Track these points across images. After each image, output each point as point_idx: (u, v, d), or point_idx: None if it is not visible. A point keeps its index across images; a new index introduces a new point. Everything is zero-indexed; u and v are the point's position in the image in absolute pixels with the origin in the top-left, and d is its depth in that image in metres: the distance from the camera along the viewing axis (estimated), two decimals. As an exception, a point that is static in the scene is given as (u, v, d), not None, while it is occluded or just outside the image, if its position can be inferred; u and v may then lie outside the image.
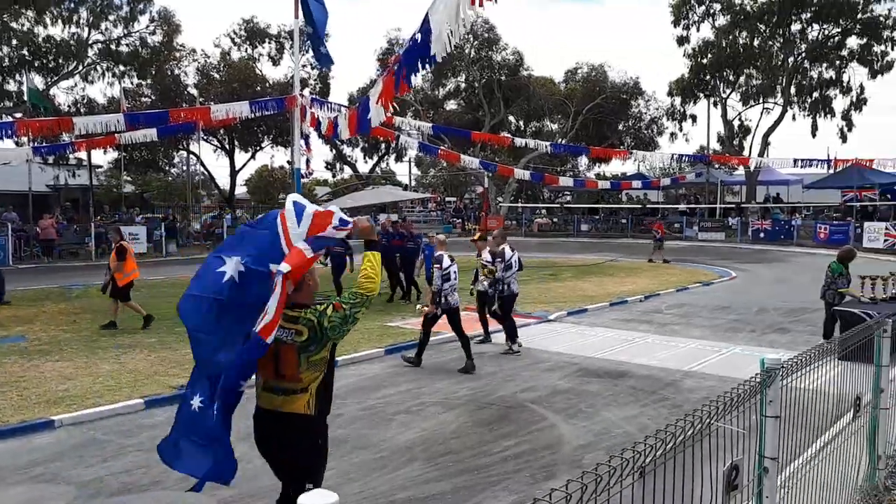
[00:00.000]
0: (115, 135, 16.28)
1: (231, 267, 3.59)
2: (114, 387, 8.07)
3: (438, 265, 9.39)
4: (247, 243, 3.68)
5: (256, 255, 3.60)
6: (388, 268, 14.89)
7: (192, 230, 34.65)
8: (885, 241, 26.53)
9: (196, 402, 3.57)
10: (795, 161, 20.66)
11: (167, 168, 46.14)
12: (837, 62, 38.11)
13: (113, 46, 34.77)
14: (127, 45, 35.38)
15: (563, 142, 40.32)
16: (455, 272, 9.50)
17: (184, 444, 3.64)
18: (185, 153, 41.58)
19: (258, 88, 38.16)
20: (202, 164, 43.76)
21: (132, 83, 37.66)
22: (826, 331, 10.36)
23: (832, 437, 4.37)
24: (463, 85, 47.18)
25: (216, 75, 40.66)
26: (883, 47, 36.69)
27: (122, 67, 35.61)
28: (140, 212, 38.63)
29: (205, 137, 38.76)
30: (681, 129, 44.75)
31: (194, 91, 39.37)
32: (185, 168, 42.67)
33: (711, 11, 39.51)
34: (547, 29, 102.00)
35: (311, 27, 12.81)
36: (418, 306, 10.38)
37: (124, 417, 7.19)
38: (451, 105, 49.46)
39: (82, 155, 32.28)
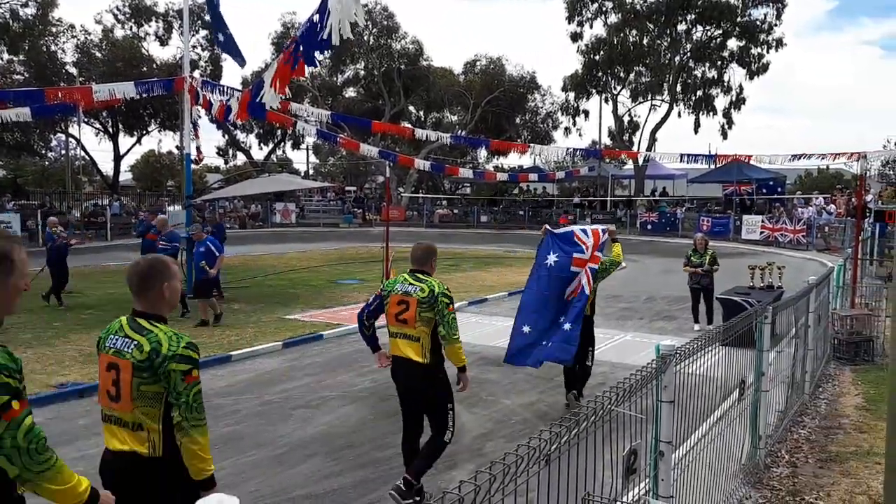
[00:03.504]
0: (-19, 114, 14.99)
1: (551, 259, 7.04)
2: (-18, 387, 7.43)
3: None
4: (549, 248, 7.14)
5: (561, 246, 7.08)
6: None
7: (71, 218, 32.54)
8: (761, 233, 28.17)
9: (526, 328, 6.90)
10: (682, 156, 21.68)
11: (44, 152, 43.19)
12: (719, 63, 40.30)
13: (-21, 18, 32.14)
14: (-5, 16, 32.77)
15: (464, 134, 40.61)
16: None
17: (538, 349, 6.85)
18: (63, 136, 39.01)
19: (144, 69, 36.25)
20: (83, 149, 41.45)
21: (2, 59, 34.98)
22: (694, 314, 11.37)
23: (718, 419, 4.58)
24: (362, 73, 46.55)
25: (98, 54, 38.31)
26: (759, 50, 39.13)
27: (-11, 41, 33.00)
28: (12, 198, 35.92)
29: (86, 119, 36.48)
30: (574, 124, 46.03)
31: (73, 70, 36.96)
32: (63, 152, 40.01)
33: (604, 9, 40.81)
34: (447, 19, 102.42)
35: (218, 28, 12.39)
36: None
37: (-6, 420, 6.63)
38: (350, 92, 48.71)
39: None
